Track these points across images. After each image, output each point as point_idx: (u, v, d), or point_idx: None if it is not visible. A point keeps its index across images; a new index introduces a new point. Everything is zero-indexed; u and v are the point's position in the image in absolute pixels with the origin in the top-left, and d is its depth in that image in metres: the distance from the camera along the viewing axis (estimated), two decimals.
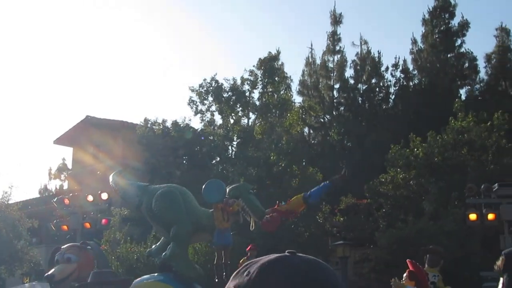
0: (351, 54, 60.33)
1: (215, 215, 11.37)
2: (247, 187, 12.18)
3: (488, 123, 27.83)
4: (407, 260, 10.82)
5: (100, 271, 7.50)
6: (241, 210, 11.53)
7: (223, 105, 34.78)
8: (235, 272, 1.68)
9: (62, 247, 8.21)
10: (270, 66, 35.50)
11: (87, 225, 23.75)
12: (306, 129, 41.56)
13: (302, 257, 1.60)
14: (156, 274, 11.31)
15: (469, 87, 41.54)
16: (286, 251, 1.63)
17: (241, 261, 13.20)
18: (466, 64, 41.82)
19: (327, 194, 30.10)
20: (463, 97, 38.36)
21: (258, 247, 17.13)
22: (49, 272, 8.06)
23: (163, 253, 11.36)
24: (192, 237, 11.78)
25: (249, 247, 15.89)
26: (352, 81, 42.82)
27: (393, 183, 28.26)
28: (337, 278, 1.58)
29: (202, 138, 34.12)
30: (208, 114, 36.08)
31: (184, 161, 33.43)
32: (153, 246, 12.38)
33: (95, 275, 7.08)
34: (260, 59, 35.54)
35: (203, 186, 11.51)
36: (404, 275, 10.71)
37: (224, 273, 11.49)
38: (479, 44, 79.47)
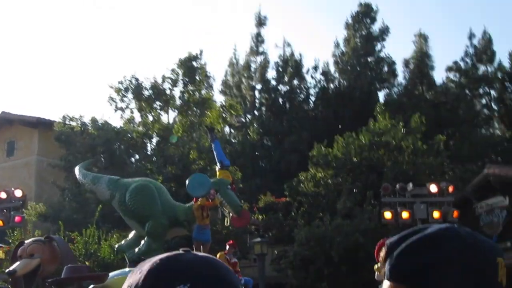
0: (274, 56, 60.68)
1: (195, 212, 11.13)
2: (226, 182, 12.02)
3: (403, 125, 28.50)
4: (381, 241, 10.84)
5: (75, 266, 7.19)
6: (219, 205, 11.37)
7: (143, 102, 34.44)
8: (130, 272, 1.61)
9: (25, 241, 7.82)
10: (191, 65, 35.40)
11: (0, 223, 23.01)
12: (226, 128, 41.63)
13: (196, 255, 1.55)
14: (127, 269, 10.98)
15: (387, 90, 42.48)
16: (181, 249, 1.58)
17: (217, 256, 13.01)
18: (385, 68, 42.74)
19: (246, 192, 30.25)
20: (381, 100, 39.14)
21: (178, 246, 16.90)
22: (11, 268, 7.63)
23: (138, 248, 11.03)
24: (168, 232, 11.49)
25: (230, 242, 15.58)
26: (274, 82, 43.14)
27: (314, 182, 28.58)
28: (230, 275, 1.52)
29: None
30: (128, 112, 35.68)
31: (102, 159, 32.85)
32: (123, 241, 12.04)
33: (69, 270, 6.77)
34: (180, 58, 35.39)
35: (187, 180, 11.26)
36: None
37: None
38: (398, 49, 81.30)
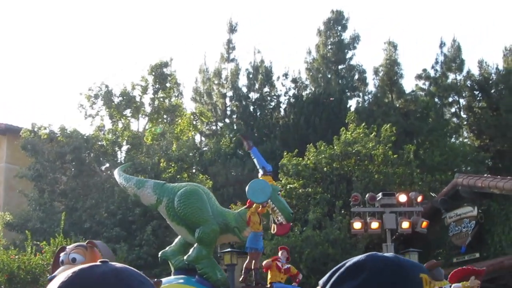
0: (245, 63, 60.66)
1: (252, 218, 10.91)
2: (276, 188, 11.80)
3: (373, 134, 28.61)
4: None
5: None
6: (271, 212, 11.17)
7: (113, 110, 34.15)
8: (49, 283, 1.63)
9: (67, 247, 7.64)
10: (161, 72, 35.20)
11: None
12: (197, 136, 41.50)
13: (113, 266, 1.55)
14: (173, 277, 10.73)
15: (358, 98, 42.67)
16: (99, 260, 1.59)
17: (264, 263, 12.82)
18: (356, 76, 42.95)
19: (217, 201, 30.05)
20: (352, 108, 39.28)
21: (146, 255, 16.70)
22: (53, 274, 7.45)
23: (187, 255, 10.79)
24: (218, 238, 11.29)
25: (282, 247, 15.16)
26: (245, 90, 43.11)
27: (285, 191, 28.52)
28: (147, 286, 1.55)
29: None
30: (98, 119, 35.36)
31: (72, 167, 32.50)
32: (168, 248, 11.77)
33: None
34: (151, 65, 35.17)
35: (247, 186, 11.02)
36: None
37: (253, 277, 11.18)
38: (369, 57, 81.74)
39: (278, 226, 11.39)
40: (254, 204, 11.08)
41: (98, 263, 1.56)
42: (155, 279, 10.63)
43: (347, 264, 1.67)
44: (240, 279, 12.27)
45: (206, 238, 10.73)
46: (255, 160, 12.72)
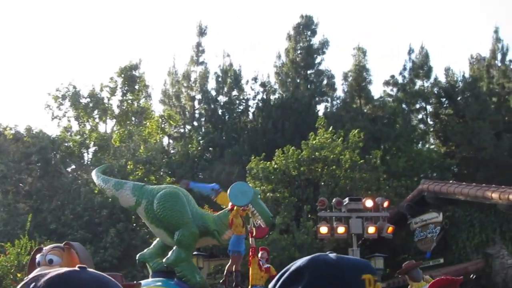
0: (214, 66, 60.59)
1: (235, 221, 10.84)
2: (257, 192, 11.76)
3: (341, 140, 28.75)
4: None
5: (110, 274, 6.90)
6: (250, 215, 11.12)
7: (80, 111, 33.91)
8: (21, 284, 1.60)
9: (44, 248, 7.52)
10: (131, 74, 35.06)
11: None
12: (166, 139, 41.32)
13: (92, 273, 1.55)
14: (151, 279, 10.61)
15: (327, 103, 42.82)
16: (77, 266, 1.57)
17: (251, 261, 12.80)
18: (325, 81, 43.11)
19: None
20: (320, 113, 39.41)
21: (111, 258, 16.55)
22: (30, 276, 7.26)
23: (166, 258, 10.69)
24: (197, 242, 11.19)
25: (263, 248, 15.11)
26: (213, 93, 43.03)
27: None
28: None
29: None
30: (65, 120, 35.09)
31: (37, 168, 32.19)
32: (145, 250, 11.64)
33: None
34: (120, 67, 35.01)
35: (229, 189, 10.95)
36: None
37: (234, 280, 11.10)
38: (337, 62, 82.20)
39: (257, 229, 11.44)
40: (235, 207, 11.10)
41: (76, 268, 1.54)
42: (134, 282, 10.57)
43: (291, 269, 1.67)
44: (221, 280, 12.28)
45: (186, 241, 10.72)
46: (201, 191, 12.79)
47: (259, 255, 13.72)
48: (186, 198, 11.24)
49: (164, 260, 10.91)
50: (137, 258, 11.76)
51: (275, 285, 1.70)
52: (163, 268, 11.00)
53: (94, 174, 12.76)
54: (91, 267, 7.42)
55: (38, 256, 7.50)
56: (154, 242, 11.74)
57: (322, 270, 1.62)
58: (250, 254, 13.18)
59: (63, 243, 7.64)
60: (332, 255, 1.68)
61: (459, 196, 22.13)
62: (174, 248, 10.84)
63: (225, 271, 12.21)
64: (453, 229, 23.16)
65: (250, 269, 12.75)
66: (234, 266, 11.84)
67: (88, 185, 29.54)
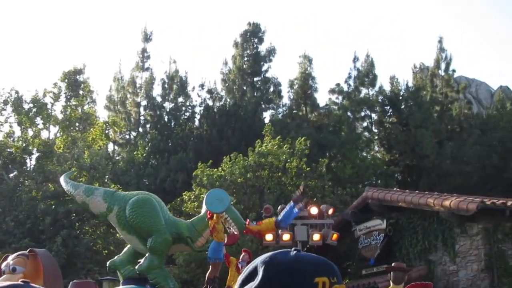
0: (160, 72, 60.33)
1: (216, 227, 10.70)
2: (230, 199, 11.66)
3: (287, 147, 28.87)
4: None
5: (82, 281, 6.74)
6: (223, 222, 11.00)
7: (23, 116, 33.31)
8: None
9: (10, 255, 7.27)
10: (75, 79, 34.60)
11: None
12: (110, 145, 40.87)
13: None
14: (122, 287, 10.36)
15: (273, 110, 42.99)
16: (20, 280, 1.58)
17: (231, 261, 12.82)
18: (271, 89, 43.28)
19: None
20: (267, 120, 39.55)
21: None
22: None
23: (139, 264, 10.47)
24: (170, 248, 11.02)
25: (245, 250, 14.89)
26: (159, 99, 42.79)
27: (198, 202, 28.44)
28: None
29: None
30: (7, 126, 34.43)
31: None
32: (116, 257, 11.37)
33: (76, 286, 6.34)
34: (64, 71, 34.50)
35: (205, 196, 10.81)
36: None
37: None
38: (284, 69, 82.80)
39: (229, 236, 11.45)
40: (215, 215, 11.11)
41: (20, 283, 1.52)
42: None
43: (250, 267, 1.69)
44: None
45: (159, 248, 10.62)
46: (290, 219, 12.77)
47: (241, 257, 13.82)
48: (159, 204, 11.18)
49: (136, 267, 10.83)
50: (107, 264, 11.63)
51: (238, 280, 1.72)
52: (135, 275, 10.91)
53: (62, 180, 12.54)
54: (57, 275, 7.31)
55: (3, 265, 7.40)
56: (125, 249, 11.62)
57: (276, 271, 1.61)
58: (226, 261, 13.29)
59: (28, 250, 7.52)
60: (293, 253, 1.67)
61: (402, 203, 22.44)
62: (147, 255, 10.78)
63: (206, 278, 12.22)
64: (396, 236, 23.46)
65: (229, 271, 12.88)
66: (212, 273, 11.88)
67: (30, 192, 29.00)
